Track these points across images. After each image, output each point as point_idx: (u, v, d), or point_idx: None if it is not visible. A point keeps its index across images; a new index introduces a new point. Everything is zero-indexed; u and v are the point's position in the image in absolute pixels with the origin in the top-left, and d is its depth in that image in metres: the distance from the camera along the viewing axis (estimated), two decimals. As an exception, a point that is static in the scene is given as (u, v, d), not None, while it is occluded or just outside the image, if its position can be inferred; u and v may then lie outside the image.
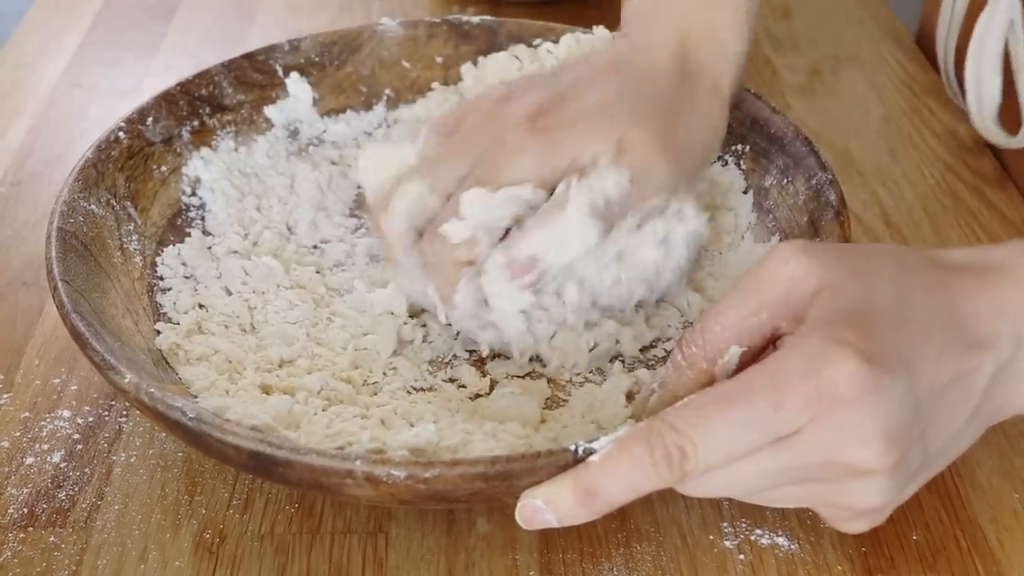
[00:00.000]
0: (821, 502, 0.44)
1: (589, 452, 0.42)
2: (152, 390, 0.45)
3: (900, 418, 0.40)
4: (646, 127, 0.52)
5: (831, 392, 0.39)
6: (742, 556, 0.48)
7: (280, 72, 0.68)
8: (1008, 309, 0.43)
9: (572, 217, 0.50)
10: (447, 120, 0.56)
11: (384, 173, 0.55)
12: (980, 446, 0.53)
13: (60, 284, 0.50)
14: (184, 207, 0.63)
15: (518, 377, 0.54)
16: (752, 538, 0.49)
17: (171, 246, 0.60)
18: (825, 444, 0.40)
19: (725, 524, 0.49)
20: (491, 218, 0.51)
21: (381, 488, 0.42)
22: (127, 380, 0.45)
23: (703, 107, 0.55)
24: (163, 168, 0.62)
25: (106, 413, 0.54)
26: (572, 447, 0.42)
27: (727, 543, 0.48)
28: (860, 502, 0.42)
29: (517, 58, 0.67)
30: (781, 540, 0.49)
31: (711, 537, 0.49)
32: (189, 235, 0.61)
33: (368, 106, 0.71)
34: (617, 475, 0.42)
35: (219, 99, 0.66)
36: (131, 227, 0.59)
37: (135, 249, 0.58)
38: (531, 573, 0.47)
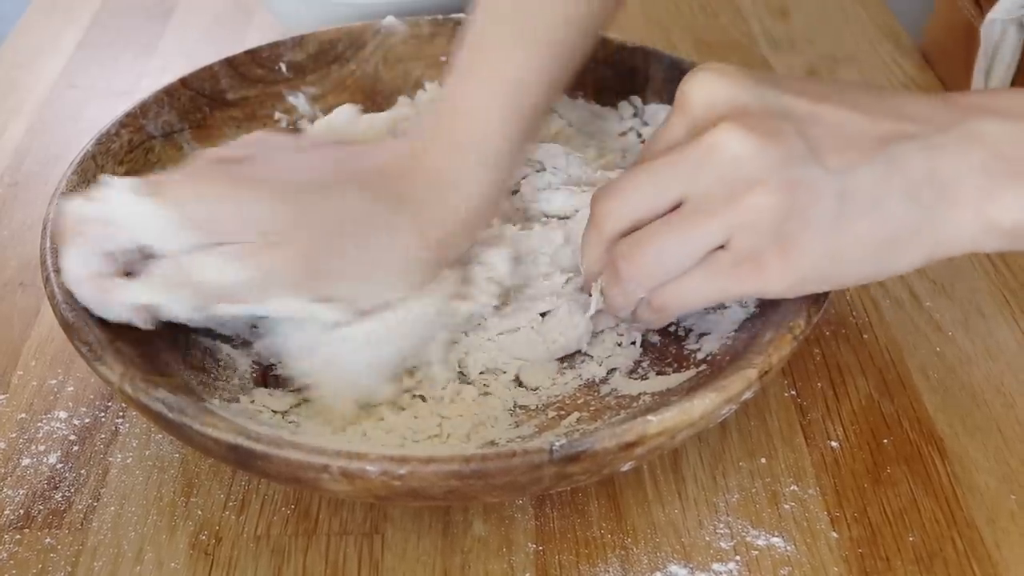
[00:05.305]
0: (722, 223, 0.44)
1: (565, 451, 0.42)
2: (136, 381, 0.45)
3: (750, 96, 0.44)
4: None
5: (685, 96, 0.46)
6: (738, 557, 0.48)
7: (283, 68, 0.68)
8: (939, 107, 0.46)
9: None
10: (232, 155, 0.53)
11: None
12: (977, 448, 0.53)
13: (52, 275, 0.50)
14: None
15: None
16: (748, 539, 0.49)
17: None
18: (685, 119, 0.46)
19: (721, 525, 0.49)
20: None
21: (357, 483, 0.42)
22: (112, 370, 0.46)
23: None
24: (164, 162, 0.62)
25: (102, 414, 0.54)
26: (547, 445, 0.42)
27: (723, 544, 0.48)
28: (739, 173, 0.43)
29: None
30: (777, 541, 0.49)
31: (707, 538, 0.49)
32: None
33: (372, 104, 0.70)
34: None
35: (221, 94, 0.66)
36: None
37: None
38: (527, 575, 0.47)
